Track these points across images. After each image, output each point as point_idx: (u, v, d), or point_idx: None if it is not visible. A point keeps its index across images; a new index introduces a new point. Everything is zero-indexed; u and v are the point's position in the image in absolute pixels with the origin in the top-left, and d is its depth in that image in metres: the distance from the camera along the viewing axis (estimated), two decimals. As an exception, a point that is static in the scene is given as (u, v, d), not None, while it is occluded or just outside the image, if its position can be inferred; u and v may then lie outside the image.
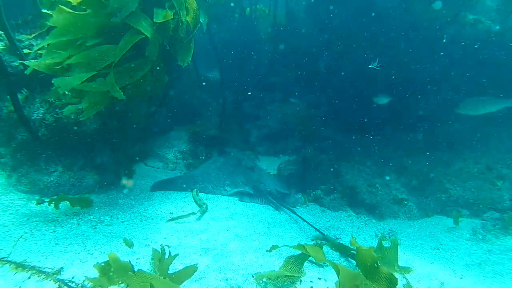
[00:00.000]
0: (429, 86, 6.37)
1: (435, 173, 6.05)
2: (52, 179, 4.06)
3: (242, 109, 8.63)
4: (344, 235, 4.34)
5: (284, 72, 9.38)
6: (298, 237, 3.96)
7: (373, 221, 5.19)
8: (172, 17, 3.83)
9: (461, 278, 3.44)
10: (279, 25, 9.29)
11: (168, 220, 3.98)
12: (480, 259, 3.94)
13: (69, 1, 3.49)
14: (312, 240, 4.02)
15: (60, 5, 3.48)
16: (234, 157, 5.79)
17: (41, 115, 4.05)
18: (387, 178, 6.36)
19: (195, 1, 4.42)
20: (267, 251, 3.35)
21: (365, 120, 7.12)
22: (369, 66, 5.71)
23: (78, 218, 3.75)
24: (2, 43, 4.20)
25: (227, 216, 4.26)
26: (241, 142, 7.80)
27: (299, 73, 9.02)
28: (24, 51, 4.20)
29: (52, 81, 3.44)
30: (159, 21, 3.70)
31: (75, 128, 4.09)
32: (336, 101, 7.94)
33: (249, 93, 8.83)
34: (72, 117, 4.08)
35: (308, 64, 8.50)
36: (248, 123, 8.44)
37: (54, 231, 3.35)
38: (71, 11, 3.48)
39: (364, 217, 5.30)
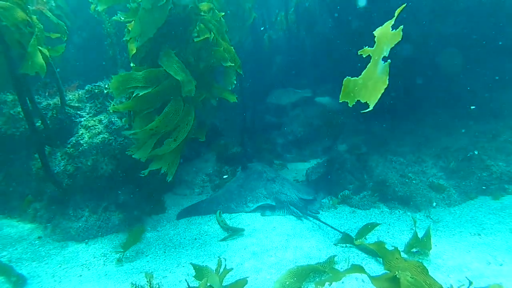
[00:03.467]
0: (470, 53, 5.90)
1: (476, 150, 5.54)
2: (80, 224, 4.35)
3: (264, 120, 8.63)
4: (372, 234, 4.10)
5: (303, 72, 9.29)
6: (319, 245, 3.82)
7: (408, 214, 4.85)
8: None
9: (501, 265, 3.09)
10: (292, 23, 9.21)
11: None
12: (529, 241, 3.50)
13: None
14: (335, 244, 3.86)
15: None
16: (255, 171, 5.77)
17: (62, 167, 4.38)
18: (424, 164, 5.97)
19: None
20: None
21: (398, 103, 6.75)
22: None
23: (105, 259, 3.96)
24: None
25: (245, 234, 4.24)
26: (267, 153, 7.77)
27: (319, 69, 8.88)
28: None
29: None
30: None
31: (92, 174, 4.36)
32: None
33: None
34: (89, 163, 4.37)
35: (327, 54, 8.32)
36: (271, 132, 8.42)
37: (81, 276, 3.57)
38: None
39: (399, 211, 4.99)
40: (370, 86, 2.15)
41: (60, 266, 3.79)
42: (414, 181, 5.37)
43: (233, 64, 4.59)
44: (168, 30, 4.01)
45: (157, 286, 3.15)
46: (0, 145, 4.71)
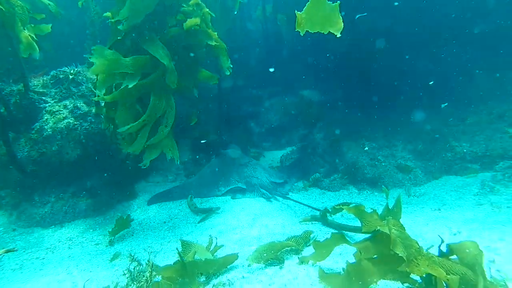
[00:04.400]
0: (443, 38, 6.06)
1: (443, 132, 5.72)
2: (46, 210, 4.29)
3: (241, 109, 8.64)
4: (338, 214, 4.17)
5: (284, 64, 9.32)
6: (284, 222, 3.88)
7: (376, 194, 4.98)
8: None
9: (454, 235, 3.20)
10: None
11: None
12: (484, 212, 3.64)
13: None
14: (301, 222, 3.92)
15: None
16: (228, 157, 5.79)
17: (26, 153, 4.31)
18: (394, 148, 6.12)
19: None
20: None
21: (372, 92, 6.89)
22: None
23: (70, 242, 3.93)
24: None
25: (214, 216, 4.26)
26: (243, 142, 7.79)
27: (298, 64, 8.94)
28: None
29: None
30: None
31: (58, 159, 4.31)
32: (341, 81, 7.78)
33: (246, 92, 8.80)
34: (53, 149, 4.31)
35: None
36: (249, 121, 8.44)
37: (43, 259, 3.53)
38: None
39: (367, 192, 5.11)
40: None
41: (24, 251, 3.74)
42: (383, 164, 5.51)
43: (218, 44, 4.48)
44: (154, 17, 3.97)
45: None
46: (-38, 132, 4.59)
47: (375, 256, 2.40)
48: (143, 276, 2.41)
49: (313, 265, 2.71)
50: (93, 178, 4.64)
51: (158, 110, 3.97)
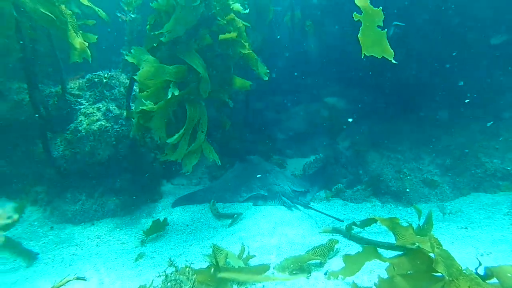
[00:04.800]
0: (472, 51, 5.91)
1: (473, 147, 5.54)
2: (77, 207, 4.51)
3: (265, 115, 8.71)
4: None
5: (309, 71, 9.33)
6: (304, 232, 3.90)
7: (400, 208, 4.89)
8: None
9: (481, 255, 3.11)
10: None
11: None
12: (513, 234, 3.52)
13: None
14: (321, 232, 3.92)
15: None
16: (251, 163, 5.86)
17: (61, 152, 4.54)
18: (421, 161, 5.99)
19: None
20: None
21: (400, 103, 6.79)
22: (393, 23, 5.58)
23: (98, 240, 4.11)
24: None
25: (235, 222, 4.33)
26: (267, 148, 7.84)
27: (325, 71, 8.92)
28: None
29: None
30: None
31: (89, 159, 4.52)
32: (368, 90, 7.72)
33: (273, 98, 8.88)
34: (86, 149, 4.53)
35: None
36: (272, 128, 8.49)
37: (73, 254, 3.72)
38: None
39: (391, 205, 5.03)
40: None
41: (55, 246, 3.94)
42: (408, 177, 5.40)
43: (251, 52, 4.62)
44: (193, 29, 4.11)
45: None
46: (4, 130, 4.89)
47: (409, 272, 2.38)
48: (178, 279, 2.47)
49: (343, 280, 2.70)
50: (121, 178, 4.83)
51: (194, 118, 4.11)
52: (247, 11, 4.55)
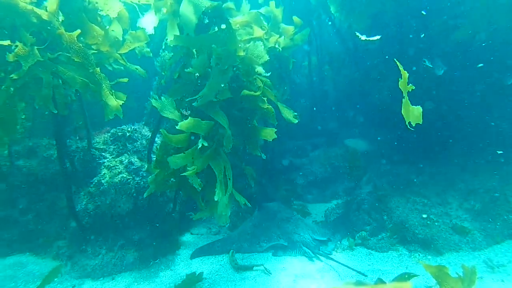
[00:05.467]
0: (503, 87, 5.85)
1: (502, 191, 5.29)
2: (97, 262, 4.53)
3: (284, 160, 8.71)
4: (387, 277, 3.92)
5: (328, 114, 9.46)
6: (327, 287, 3.71)
7: (429, 257, 4.62)
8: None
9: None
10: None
11: None
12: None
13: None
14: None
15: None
16: (270, 211, 5.78)
17: (83, 206, 4.67)
18: (448, 206, 5.75)
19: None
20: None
21: (425, 144, 6.69)
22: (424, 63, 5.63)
23: (116, 296, 4.06)
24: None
25: (254, 275, 4.20)
26: (287, 194, 7.75)
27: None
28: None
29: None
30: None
31: (110, 212, 4.61)
32: (387, 132, 7.69)
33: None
34: (107, 202, 4.63)
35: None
36: (292, 173, 8.44)
37: (90, 311, 3.68)
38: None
39: (419, 255, 4.76)
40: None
41: (75, 302, 3.93)
42: (436, 223, 5.16)
43: (270, 106, 4.81)
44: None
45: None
46: (32, 185, 5.12)
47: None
48: None
49: None
50: (141, 230, 4.86)
51: (221, 169, 4.19)
52: (268, 74, 4.80)
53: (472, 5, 5.39)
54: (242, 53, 4.36)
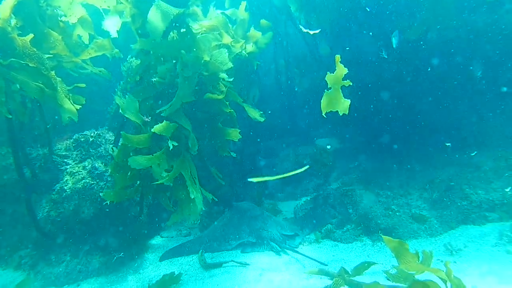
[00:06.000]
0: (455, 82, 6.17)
1: (458, 180, 5.61)
2: (61, 269, 4.44)
3: (255, 161, 8.82)
4: (350, 266, 4.07)
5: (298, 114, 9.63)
6: (291, 278, 3.82)
7: (390, 245, 4.80)
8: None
9: (468, 290, 3.05)
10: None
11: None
12: (502, 265, 3.46)
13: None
14: (306, 272, 3.86)
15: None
16: (240, 210, 5.85)
17: (46, 213, 4.57)
18: (409, 197, 6.03)
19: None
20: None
21: (387, 140, 6.98)
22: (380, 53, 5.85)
23: (82, 302, 4.01)
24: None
25: (222, 272, 4.26)
26: (258, 194, 7.85)
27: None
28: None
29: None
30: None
31: (74, 218, 4.54)
32: (356, 130, 7.95)
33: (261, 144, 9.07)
34: (71, 208, 4.56)
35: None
36: (263, 172, 8.55)
37: (54, 318, 3.61)
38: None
39: (381, 243, 4.95)
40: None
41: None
42: (397, 213, 5.38)
43: (232, 110, 5.07)
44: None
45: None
46: (-10, 195, 4.96)
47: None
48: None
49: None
50: (106, 235, 4.81)
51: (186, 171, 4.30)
52: (231, 79, 4.92)
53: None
54: (207, 58, 4.46)
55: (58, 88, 4.21)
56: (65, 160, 4.99)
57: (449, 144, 5.80)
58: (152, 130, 3.92)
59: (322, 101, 3.57)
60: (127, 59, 6.06)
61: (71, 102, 4.29)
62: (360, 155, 7.89)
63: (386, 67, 6.60)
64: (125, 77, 6.11)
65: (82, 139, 5.12)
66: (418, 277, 2.95)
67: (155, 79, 4.44)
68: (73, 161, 4.98)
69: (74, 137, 5.22)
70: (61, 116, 4.23)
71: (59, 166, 4.93)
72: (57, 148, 5.14)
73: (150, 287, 3.98)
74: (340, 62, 3.38)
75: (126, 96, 4.14)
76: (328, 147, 8.29)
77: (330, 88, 3.53)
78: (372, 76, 6.91)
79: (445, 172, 6.05)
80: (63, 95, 4.27)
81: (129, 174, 4.21)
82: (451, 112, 6.56)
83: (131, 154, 4.08)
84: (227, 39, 5.67)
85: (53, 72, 4.13)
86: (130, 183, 4.33)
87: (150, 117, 4.35)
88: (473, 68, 5.96)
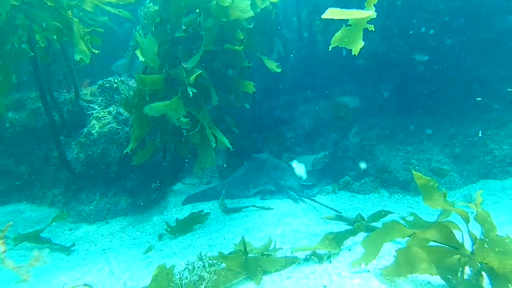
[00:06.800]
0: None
1: (483, 137, 5.49)
2: (91, 207, 4.73)
3: (274, 114, 8.80)
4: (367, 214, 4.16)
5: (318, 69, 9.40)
6: (308, 222, 3.96)
7: (408, 197, 4.88)
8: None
9: (483, 239, 3.10)
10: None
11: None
12: (521, 216, 3.48)
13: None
14: (322, 217, 3.98)
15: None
16: (259, 160, 5.97)
17: (75, 155, 4.78)
18: (430, 152, 5.96)
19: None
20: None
21: (410, 96, 6.81)
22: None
23: (111, 237, 4.29)
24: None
25: (241, 216, 4.44)
26: (276, 147, 7.93)
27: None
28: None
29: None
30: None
31: (102, 160, 4.74)
32: (375, 85, 7.75)
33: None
34: (98, 151, 4.75)
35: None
36: (282, 126, 8.56)
37: (87, 250, 3.91)
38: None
39: (398, 196, 5.03)
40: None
41: (72, 243, 4.15)
42: (417, 167, 5.38)
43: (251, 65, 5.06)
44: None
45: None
46: (23, 137, 5.19)
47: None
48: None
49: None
50: (133, 178, 5.02)
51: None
52: (251, 25, 4.77)
53: None
54: (227, 3, 4.29)
55: (74, 28, 4.17)
56: (91, 105, 5.12)
57: (479, 98, 5.60)
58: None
59: (335, 35, 3.19)
60: (145, 3, 5.92)
61: (85, 44, 4.26)
62: (380, 113, 7.74)
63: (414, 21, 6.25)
64: (141, 22, 6.02)
65: (107, 85, 5.20)
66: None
67: (178, 34, 4.30)
68: (99, 106, 5.10)
69: (99, 83, 5.30)
70: (75, 54, 4.24)
71: (85, 110, 5.07)
72: (83, 94, 5.25)
73: (177, 221, 4.19)
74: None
75: (147, 36, 4.06)
76: (350, 104, 8.16)
77: (350, 25, 3.20)
78: (397, 29, 6.59)
79: (469, 127, 5.90)
80: (78, 35, 4.23)
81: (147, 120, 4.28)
82: (478, 69, 6.26)
83: (147, 99, 4.11)
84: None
85: (70, 12, 4.11)
86: (148, 129, 4.39)
87: (187, 64, 4.26)
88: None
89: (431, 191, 2.96)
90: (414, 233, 2.69)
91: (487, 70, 6.08)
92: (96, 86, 5.30)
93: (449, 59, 6.26)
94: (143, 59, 4.03)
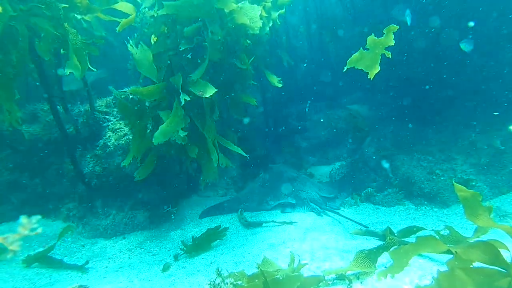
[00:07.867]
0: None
1: (509, 145, 5.30)
2: (108, 222, 4.58)
3: (288, 124, 8.67)
4: (396, 229, 3.98)
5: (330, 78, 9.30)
6: (337, 237, 3.78)
7: (435, 210, 4.69)
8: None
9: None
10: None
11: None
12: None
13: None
14: (351, 233, 3.80)
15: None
16: (276, 171, 5.81)
17: (91, 168, 4.65)
18: (453, 162, 5.77)
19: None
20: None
21: (427, 103, 6.65)
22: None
23: (130, 253, 4.13)
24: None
25: (264, 230, 4.27)
26: (290, 157, 7.78)
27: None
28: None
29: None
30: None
31: (118, 173, 4.61)
32: (389, 93, 7.61)
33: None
34: (115, 164, 4.62)
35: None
36: (295, 136, 8.42)
37: (106, 267, 3.75)
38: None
39: (425, 208, 4.83)
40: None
41: (89, 260, 3.99)
42: (442, 178, 5.20)
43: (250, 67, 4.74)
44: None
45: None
46: (37, 150, 5.09)
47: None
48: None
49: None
50: (149, 191, 4.88)
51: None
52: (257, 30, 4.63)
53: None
54: (234, 6, 4.10)
55: (69, 41, 3.99)
56: (107, 116, 5.01)
57: (497, 113, 5.44)
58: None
59: (352, 56, 3.32)
60: (140, 9, 5.82)
61: (78, 58, 4.08)
62: (392, 122, 7.58)
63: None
64: (139, 29, 5.92)
65: (122, 96, 5.08)
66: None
67: (182, 48, 4.13)
68: (114, 118, 4.99)
69: (114, 94, 5.19)
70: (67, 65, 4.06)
71: (101, 122, 4.96)
72: (98, 105, 5.15)
73: (194, 239, 4.02)
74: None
75: (139, 46, 3.90)
76: (362, 112, 8.02)
77: (368, 48, 3.28)
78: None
79: (491, 138, 5.72)
80: (72, 48, 4.04)
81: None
82: (501, 75, 6.10)
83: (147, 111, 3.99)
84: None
85: (66, 24, 3.99)
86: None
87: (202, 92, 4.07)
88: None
89: (475, 205, 2.79)
90: (456, 252, 2.52)
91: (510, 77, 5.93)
92: (111, 97, 5.21)
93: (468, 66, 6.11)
94: (139, 70, 3.93)
